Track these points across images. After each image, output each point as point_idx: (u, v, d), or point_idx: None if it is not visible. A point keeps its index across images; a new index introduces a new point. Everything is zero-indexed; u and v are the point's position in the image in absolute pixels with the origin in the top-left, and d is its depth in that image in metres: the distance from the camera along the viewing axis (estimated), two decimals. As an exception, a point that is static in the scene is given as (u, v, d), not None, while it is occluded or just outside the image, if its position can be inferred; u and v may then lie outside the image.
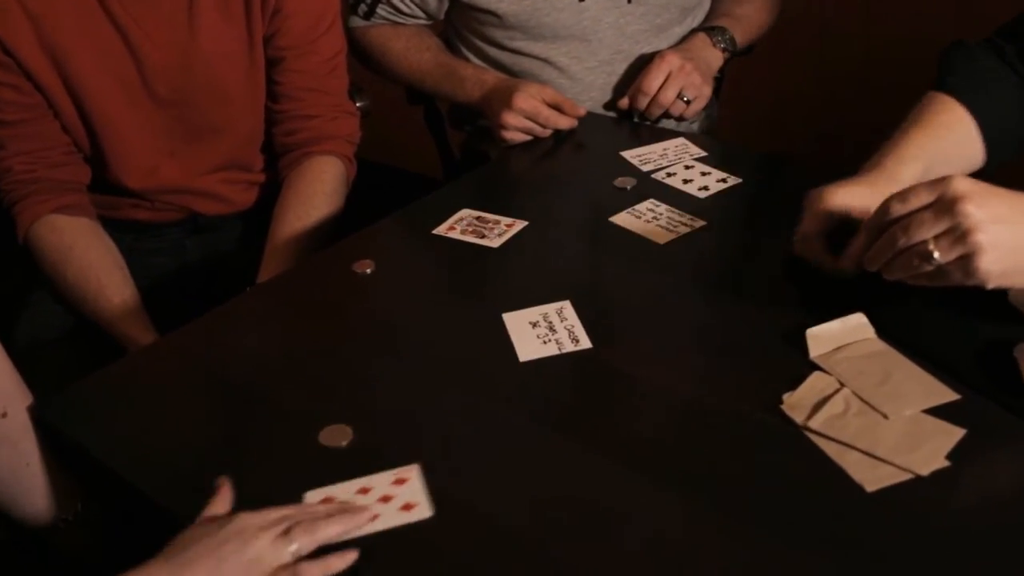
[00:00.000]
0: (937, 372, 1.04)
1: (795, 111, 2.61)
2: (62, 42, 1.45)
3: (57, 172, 1.54)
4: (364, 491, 0.94)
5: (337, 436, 1.01)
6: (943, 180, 1.01)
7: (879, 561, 0.85)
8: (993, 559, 0.85)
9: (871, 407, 1.00)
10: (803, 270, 1.22)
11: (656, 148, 1.58)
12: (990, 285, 1.01)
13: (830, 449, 0.96)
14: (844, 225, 1.16)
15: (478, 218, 1.40)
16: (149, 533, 0.91)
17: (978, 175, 1.17)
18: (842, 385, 1.03)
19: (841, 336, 1.09)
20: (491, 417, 1.04)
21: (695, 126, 1.87)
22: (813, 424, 0.98)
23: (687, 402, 1.06)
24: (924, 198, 1.01)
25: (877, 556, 0.86)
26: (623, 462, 0.97)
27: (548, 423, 1.04)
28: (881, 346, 1.09)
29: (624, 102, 1.72)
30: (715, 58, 1.77)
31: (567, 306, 1.19)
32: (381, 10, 1.83)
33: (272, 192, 1.66)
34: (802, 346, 1.09)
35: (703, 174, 1.49)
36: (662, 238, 1.33)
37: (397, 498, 0.93)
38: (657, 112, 1.70)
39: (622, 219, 1.38)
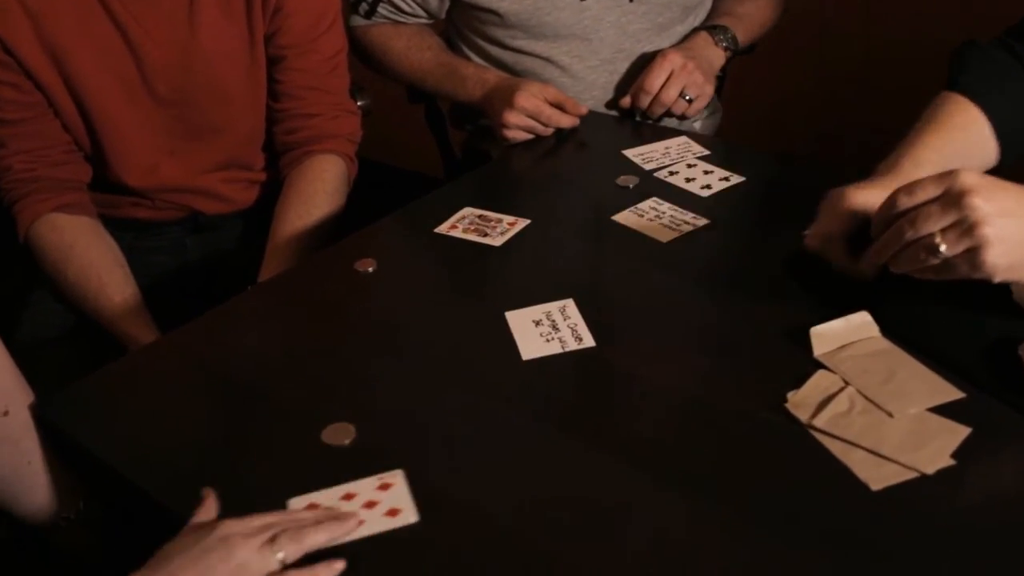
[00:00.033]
0: (942, 370, 1.04)
1: (796, 110, 2.61)
2: (62, 40, 1.45)
3: (57, 171, 1.53)
4: (348, 497, 0.93)
5: (340, 435, 1.00)
6: (950, 173, 1.00)
7: (884, 560, 0.85)
8: (999, 557, 0.85)
9: (876, 405, 1.00)
10: (806, 268, 1.21)
11: (658, 147, 1.58)
12: (997, 279, 1.01)
13: (835, 447, 0.95)
14: (863, 227, 1.15)
15: (480, 216, 1.40)
16: (150, 532, 0.91)
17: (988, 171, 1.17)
18: (846, 383, 1.03)
19: (845, 334, 1.09)
20: (494, 416, 1.04)
21: (697, 125, 1.86)
22: (818, 422, 0.98)
23: (691, 401, 1.06)
24: (931, 191, 1.01)
25: (882, 555, 0.85)
26: (627, 461, 0.97)
27: (551, 422, 1.03)
28: (885, 344, 1.08)
29: (626, 101, 1.72)
30: (717, 57, 1.77)
31: (570, 304, 1.19)
32: (382, 9, 1.82)
33: (273, 191, 1.66)
34: (806, 344, 1.08)
35: (706, 173, 1.49)
36: (665, 236, 1.33)
37: (382, 503, 0.92)
38: (659, 111, 1.70)
39: (624, 218, 1.38)
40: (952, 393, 1.01)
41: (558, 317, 1.17)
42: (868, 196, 1.15)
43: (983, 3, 1.95)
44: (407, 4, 1.81)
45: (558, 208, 1.45)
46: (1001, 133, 1.25)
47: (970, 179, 0.99)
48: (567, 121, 1.65)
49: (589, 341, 1.13)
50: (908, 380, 1.03)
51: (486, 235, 1.35)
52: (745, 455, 0.97)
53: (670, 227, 1.35)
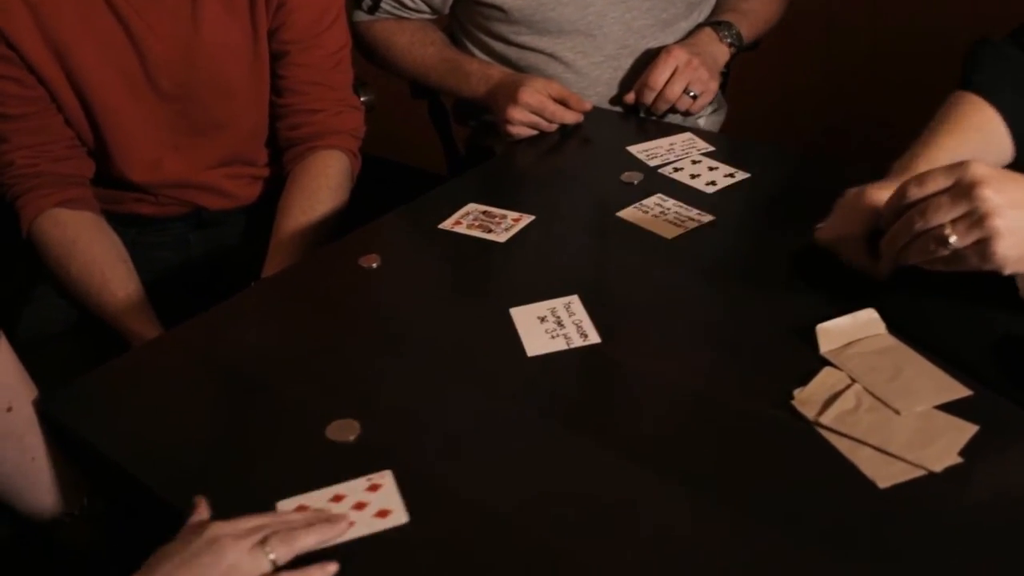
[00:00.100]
0: (948, 368, 1.04)
1: (800, 106, 2.60)
2: (64, 35, 1.45)
3: (60, 166, 1.53)
4: (338, 498, 0.92)
5: (345, 431, 1.00)
6: (961, 165, 1.00)
7: (892, 558, 0.84)
8: (1007, 555, 0.84)
9: (882, 403, 0.99)
10: (812, 265, 1.21)
11: (663, 143, 1.58)
12: (1007, 271, 1.00)
13: (842, 445, 0.95)
14: (879, 227, 1.15)
15: (485, 212, 1.39)
16: (153, 529, 0.90)
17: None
18: (853, 381, 1.02)
19: (852, 332, 1.09)
20: (499, 412, 1.04)
21: (701, 121, 1.86)
22: (825, 420, 0.97)
23: (696, 397, 1.05)
24: (941, 182, 1.01)
25: (890, 553, 0.85)
26: (632, 458, 0.97)
27: (556, 418, 1.03)
28: (892, 341, 1.08)
29: (630, 97, 1.72)
30: (721, 53, 1.77)
31: (575, 301, 1.18)
32: (385, 4, 1.82)
33: (276, 187, 1.65)
34: (812, 341, 1.08)
35: (711, 169, 1.48)
36: (670, 233, 1.32)
37: (371, 505, 0.92)
38: (663, 107, 1.69)
39: (629, 214, 1.38)
40: (959, 390, 1.01)
41: (563, 313, 1.16)
42: (887, 195, 1.14)
43: (988, -1, 1.94)
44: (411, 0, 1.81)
45: (562, 204, 1.44)
46: (1016, 132, 1.24)
47: (980, 170, 0.99)
48: (571, 117, 1.65)
49: (594, 337, 1.12)
50: (915, 377, 1.02)
51: (490, 231, 1.35)
52: (751, 452, 0.97)
53: (675, 223, 1.34)
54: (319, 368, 1.11)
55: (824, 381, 1.03)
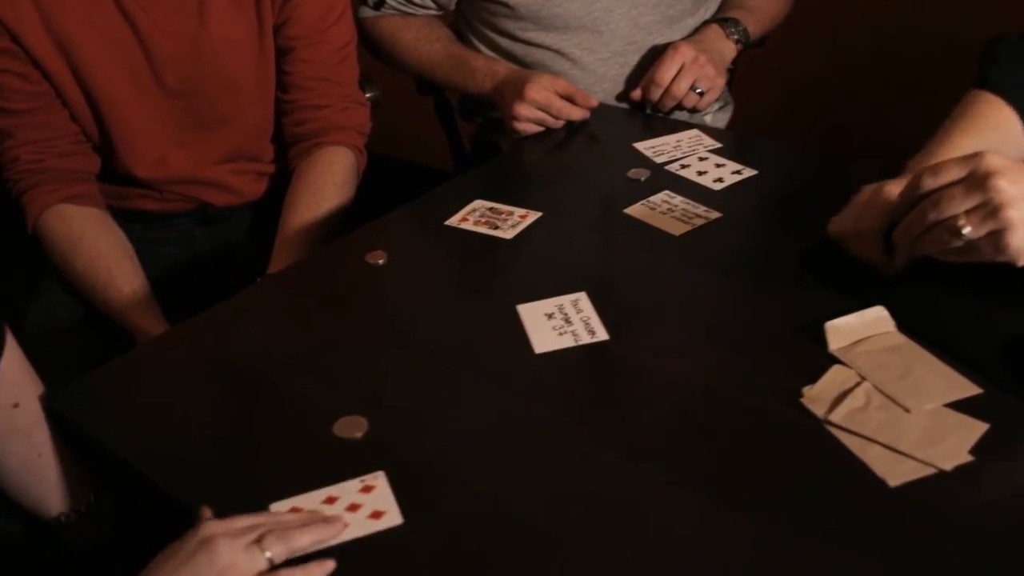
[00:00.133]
0: (958, 366, 1.03)
1: (807, 103, 2.60)
2: (69, 30, 1.44)
3: (65, 161, 1.53)
4: (331, 500, 0.92)
5: (352, 427, 1.00)
6: (975, 156, 1.00)
7: (902, 557, 0.84)
8: (1017, 554, 0.84)
9: (892, 401, 0.99)
10: (820, 262, 1.21)
11: (669, 140, 1.57)
12: (1021, 262, 1.00)
13: (852, 443, 0.95)
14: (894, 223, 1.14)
15: (491, 209, 1.39)
16: (160, 525, 0.90)
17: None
18: (862, 379, 1.02)
19: (861, 329, 1.08)
20: (507, 409, 1.03)
21: (708, 118, 1.85)
22: (834, 418, 0.97)
23: (704, 395, 1.05)
24: (956, 173, 1.00)
25: (900, 551, 0.84)
26: (640, 456, 0.96)
27: (564, 415, 1.03)
28: (901, 339, 1.08)
29: (637, 93, 1.71)
30: (728, 50, 1.76)
31: (583, 297, 1.18)
32: (391, 0, 1.81)
33: (282, 183, 1.65)
34: (820, 339, 1.07)
35: (718, 166, 1.48)
36: (677, 230, 1.32)
37: (365, 506, 0.91)
38: (670, 104, 1.69)
39: (636, 211, 1.37)
40: (969, 389, 1.00)
41: (571, 310, 1.16)
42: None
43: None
44: (417, -5, 1.81)
45: (569, 201, 1.44)
46: None
47: (995, 161, 0.98)
48: (577, 113, 1.64)
49: (602, 334, 1.12)
50: (925, 375, 1.02)
51: (497, 228, 1.34)
52: (760, 450, 0.96)
53: (682, 220, 1.34)
54: (326, 365, 1.11)
55: (833, 379, 1.02)
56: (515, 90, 1.64)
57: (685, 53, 1.67)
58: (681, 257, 1.27)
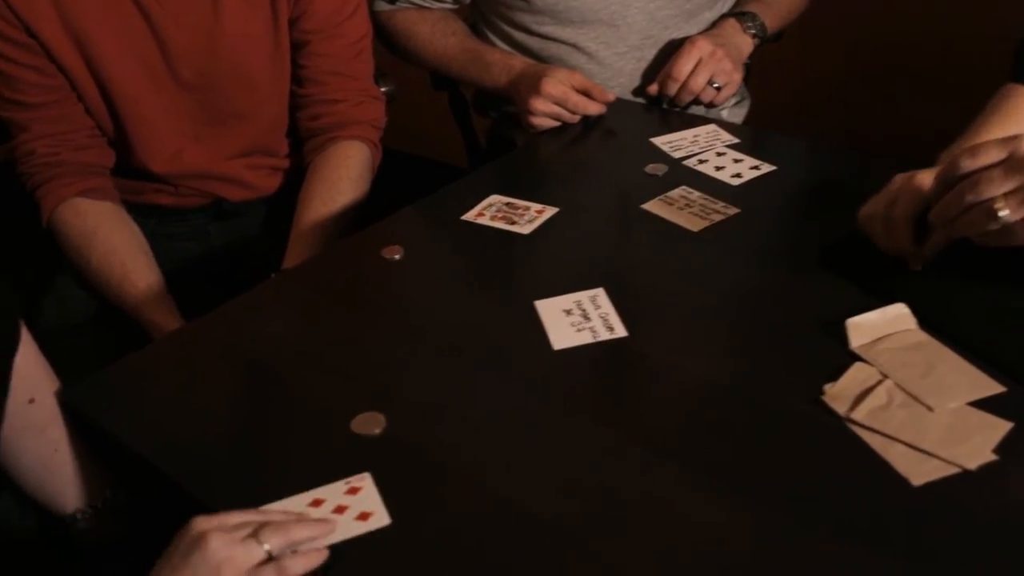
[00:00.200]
0: (981, 364, 1.02)
1: (823, 98, 2.59)
2: (84, 24, 1.44)
3: (81, 155, 1.52)
4: (317, 503, 0.91)
5: (370, 424, 0.99)
6: (1015, 138, 0.98)
7: (926, 556, 0.83)
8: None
9: (915, 399, 0.98)
10: (841, 259, 1.20)
11: (687, 135, 1.56)
12: None
13: (874, 442, 0.94)
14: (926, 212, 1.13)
15: (508, 204, 1.38)
16: (176, 521, 0.90)
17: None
18: (884, 376, 1.01)
19: (882, 326, 1.07)
20: (527, 406, 1.03)
21: (724, 113, 1.84)
22: (856, 416, 0.96)
23: (725, 392, 1.04)
24: (994, 155, 0.99)
25: (924, 550, 0.84)
26: (660, 452, 0.96)
27: (583, 412, 1.02)
28: (923, 336, 1.07)
29: (653, 88, 1.70)
30: (745, 44, 1.75)
31: (601, 293, 1.17)
32: (407, -7, 1.81)
33: (297, 178, 1.65)
34: (841, 336, 1.06)
35: (735, 161, 1.47)
36: (696, 225, 1.31)
37: (352, 508, 0.90)
38: (687, 98, 1.68)
39: (654, 206, 1.36)
40: (992, 387, 0.99)
41: (589, 306, 1.15)
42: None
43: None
44: (432, -11, 1.80)
45: (586, 196, 1.43)
46: None
47: None
48: (594, 108, 1.63)
49: (621, 331, 1.11)
50: (948, 373, 1.01)
51: (514, 223, 1.34)
52: (781, 448, 0.96)
53: (701, 216, 1.33)
54: (343, 360, 1.11)
55: (855, 376, 1.01)
56: (531, 84, 1.63)
57: (702, 47, 1.66)
58: (700, 253, 1.27)
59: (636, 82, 1.80)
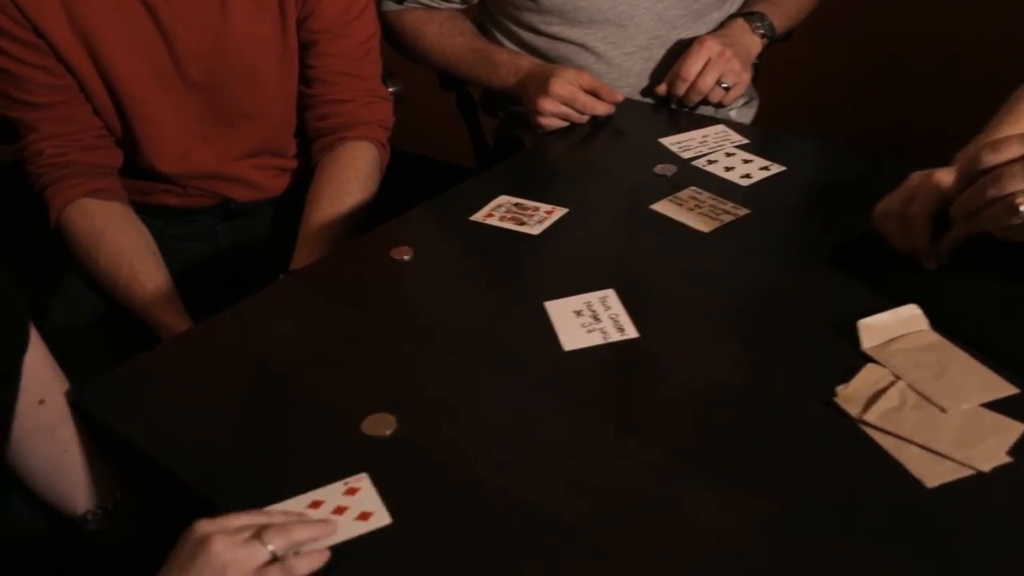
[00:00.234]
0: (993, 365, 1.02)
1: (832, 98, 2.58)
2: (92, 23, 1.44)
3: (89, 155, 1.52)
4: (316, 504, 0.91)
5: (381, 425, 0.99)
6: None
7: (940, 558, 0.83)
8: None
9: (928, 401, 0.97)
10: (852, 259, 1.19)
11: (696, 135, 1.56)
12: None
13: (887, 443, 0.93)
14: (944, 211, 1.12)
15: (517, 204, 1.38)
16: (186, 522, 0.89)
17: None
18: (897, 378, 1.00)
19: (894, 327, 1.07)
20: (539, 407, 1.02)
21: (733, 113, 1.84)
22: (869, 417, 0.95)
23: (736, 393, 1.03)
24: (1016, 150, 0.99)
25: (938, 552, 0.83)
26: (672, 454, 0.95)
27: (594, 413, 1.02)
28: (935, 338, 1.06)
29: (662, 88, 1.70)
30: (754, 44, 1.75)
31: (611, 295, 1.17)
32: (415, -6, 1.81)
33: (305, 178, 1.64)
34: (852, 337, 1.06)
35: (745, 162, 1.46)
36: (706, 226, 1.30)
37: (351, 509, 0.90)
38: (695, 99, 1.67)
39: (664, 207, 1.36)
40: (1006, 388, 0.99)
41: (599, 307, 1.15)
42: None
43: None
44: (440, -11, 1.80)
45: (595, 197, 1.42)
46: None
47: None
48: (602, 108, 1.63)
49: (632, 332, 1.11)
50: (960, 375, 1.01)
51: (523, 224, 1.33)
52: (793, 449, 0.95)
53: (711, 216, 1.32)
54: (353, 361, 1.10)
55: (867, 378, 1.01)
56: (539, 85, 1.62)
57: (711, 47, 1.65)
58: (710, 254, 1.26)
59: (644, 82, 1.80)
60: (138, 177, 1.60)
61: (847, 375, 1.02)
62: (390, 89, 1.73)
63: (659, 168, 1.46)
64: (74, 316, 1.56)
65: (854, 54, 2.55)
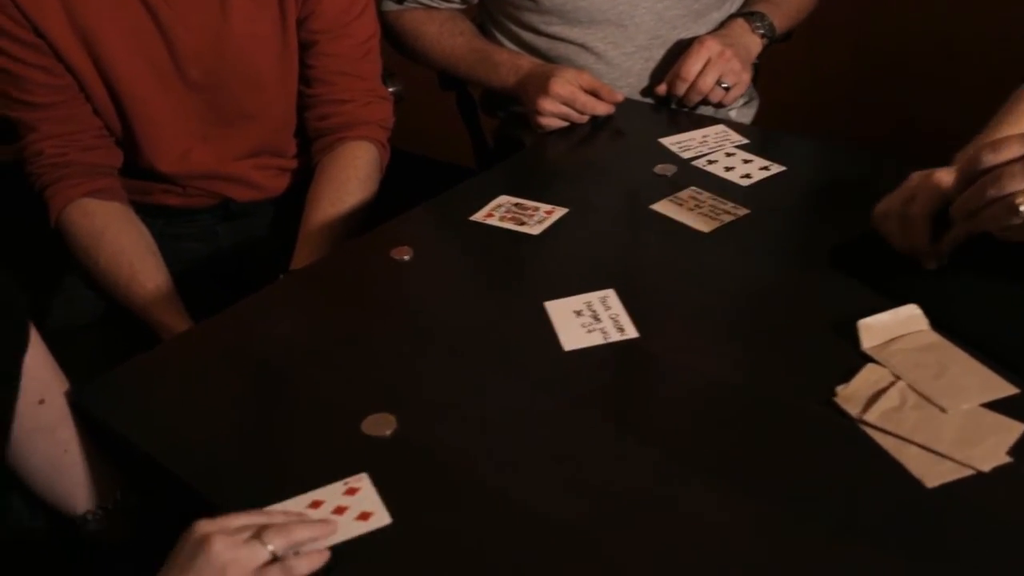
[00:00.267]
0: (993, 365, 1.02)
1: (832, 98, 2.58)
2: (92, 23, 1.44)
3: (89, 155, 1.52)
4: (316, 505, 0.91)
5: (381, 425, 0.99)
6: None
7: (940, 557, 0.83)
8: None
9: (928, 400, 0.97)
10: (851, 259, 1.19)
11: (696, 135, 1.56)
12: None
13: (887, 443, 0.93)
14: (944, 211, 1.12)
15: (517, 204, 1.38)
16: (186, 522, 0.89)
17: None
18: (897, 378, 1.00)
19: (894, 327, 1.07)
20: (539, 408, 1.02)
21: (733, 113, 1.84)
22: (869, 417, 0.95)
23: (737, 393, 1.03)
24: (1016, 150, 0.99)
25: (938, 552, 0.83)
26: (672, 453, 0.95)
27: (594, 413, 1.02)
28: (935, 338, 1.06)
29: (662, 88, 1.70)
30: (754, 44, 1.75)
31: (611, 295, 1.17)
32: (415, -7, 1.81)
33: (304, 178, 1.64)
34: (852, 337, 1.06)
35: (745, 162, 1.46)
36: (706, 226, 1.30)
37: (351, 509, 0.90)
38: (695, 99, 1.67)
39: (664, 207, 1.36)
40: (1006, 388, 0.99)
41: (599, 307, 1.15)
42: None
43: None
44: (440, -11, 1.80)
45: (595, 197, 1.42)
46: None
47: None
48: (602, 108, 1.63)
49: (632, 332, 1.11)
50: (960, 375, 1.01)
51: (523, 224, 1.33)
52: (793, 449, 0.95)
53: (711, 216, 1.32)
54: (352, 361, 1.10)
55: (867, 378, 1.01)
56: (539, 85, 1.62)
57: (711, 47, 1.65)
58: (710, 254, 1.26)
59: (644, 82, 1.80)
60: (138, 177, 1.60)
61: (847, 375, 1.02)
62: (390, 89, 1.73)
63: (659, 168, 1.46)
64: (74, 316, 1.56)
65: (854, 54, 2.55)
